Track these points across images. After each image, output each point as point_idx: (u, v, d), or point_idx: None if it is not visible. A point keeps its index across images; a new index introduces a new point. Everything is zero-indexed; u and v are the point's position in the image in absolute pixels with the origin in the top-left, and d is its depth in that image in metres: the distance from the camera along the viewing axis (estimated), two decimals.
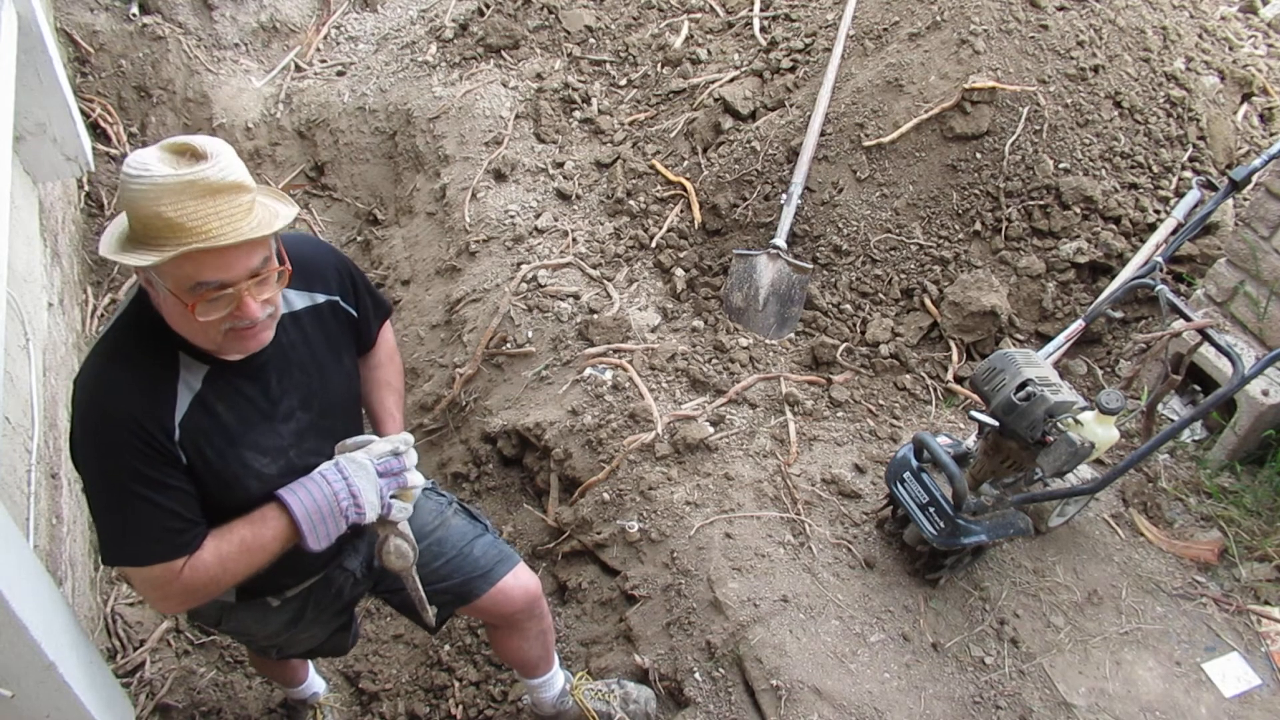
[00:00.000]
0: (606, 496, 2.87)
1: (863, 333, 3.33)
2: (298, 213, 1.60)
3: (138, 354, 1.54)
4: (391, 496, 1.73)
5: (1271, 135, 3.74)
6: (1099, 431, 2.37)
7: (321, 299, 1.78)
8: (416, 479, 1.77)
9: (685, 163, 3.86)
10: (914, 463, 2.45)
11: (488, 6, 4.68)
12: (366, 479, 1.68)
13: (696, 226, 3.67)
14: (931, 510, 2.37)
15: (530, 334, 3.39)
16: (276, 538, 1.63)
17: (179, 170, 1.38)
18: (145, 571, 1.56)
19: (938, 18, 3.53)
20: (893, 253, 3.40)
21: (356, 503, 1.65)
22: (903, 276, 3.38)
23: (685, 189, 3.76)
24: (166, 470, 1.53)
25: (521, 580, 2.12)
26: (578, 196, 3.90)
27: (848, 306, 3.38)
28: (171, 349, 1.55)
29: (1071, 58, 3.42)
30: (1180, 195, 3.38)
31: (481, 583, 2.07)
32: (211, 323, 1.47)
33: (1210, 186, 3.32)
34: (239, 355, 1.59)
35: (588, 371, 3.18)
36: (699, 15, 4.46)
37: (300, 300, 1.74)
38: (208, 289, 1.43)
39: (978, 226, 3.37)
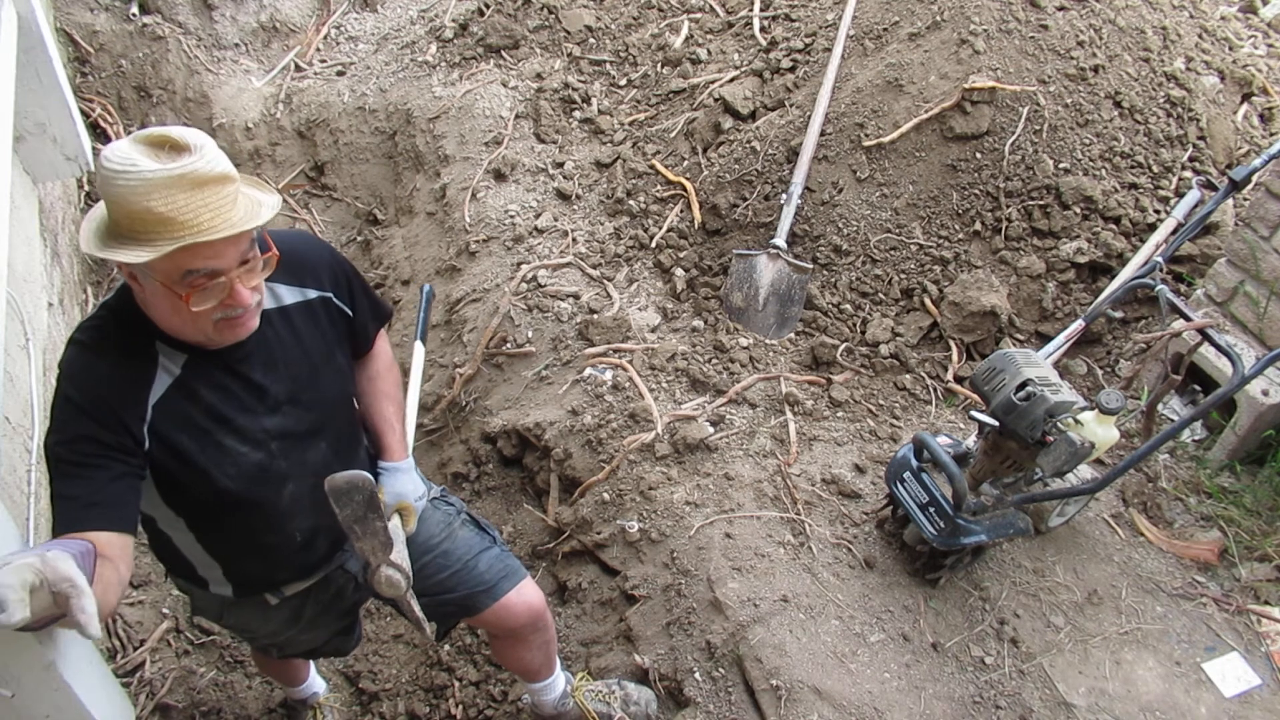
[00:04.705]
0: (606, 496, 2.87)
1: (863, 333, 3.33)
2: (280, 200, 1.58)
3: (116, 336, 1.53)
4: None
5: (1271, 135, 3.74)
6: (1099, 431, 2.37)
7: (313, 294, 1.75)
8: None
9: (685, 163, 3.86)
10: (914, 463, 2.45)
11: (488, 6, 4.67)
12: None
13: (696, 226, 3.67)
14: (931, 510, 2.37)
15: (530, 334, 3.39)
16: None
17: (166, 164, 1.36)
18: None
19: (938, 18, 3.53)
20: (893, 253, 3.39)
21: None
22: (903, 276, 3.38)
23: (685, 189, 3.76)
24: (111, 452, 1.48)
25: (525, 596, 2.09)
26: (578, 196, 3.90)
27: (848, 306, 3.38)
28: (148, 338, 1.54)
29: (1071, 58, 3.42)
30: (1180, 195, 3.38)
31: (485, 598, 2.04)
32: (204, 312, 1.46)
33: (1210, 186, 3.32)
34: (225, 344, 1.57)
35: (588, 371, 3.18)
36: (699, 15, 4.45)
37: (290, 295, 1.71)
38: (198, 276, 1.43)
39: (978, 226, 3.37)
